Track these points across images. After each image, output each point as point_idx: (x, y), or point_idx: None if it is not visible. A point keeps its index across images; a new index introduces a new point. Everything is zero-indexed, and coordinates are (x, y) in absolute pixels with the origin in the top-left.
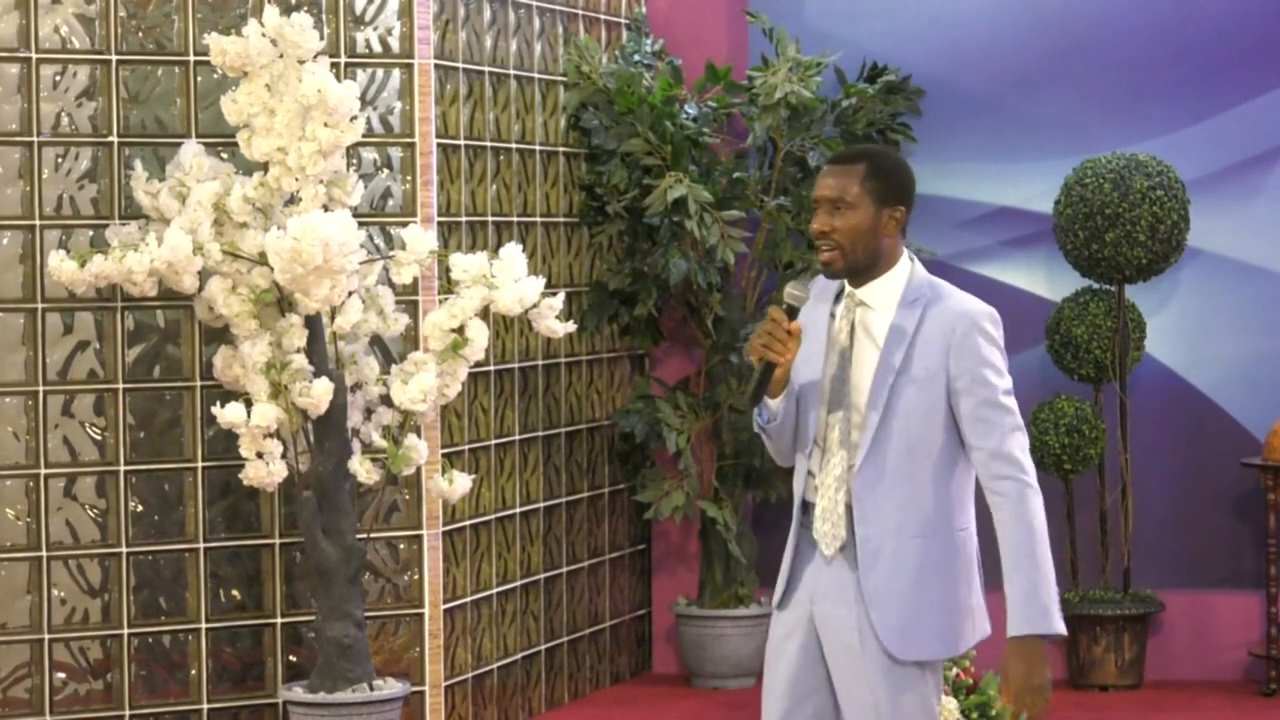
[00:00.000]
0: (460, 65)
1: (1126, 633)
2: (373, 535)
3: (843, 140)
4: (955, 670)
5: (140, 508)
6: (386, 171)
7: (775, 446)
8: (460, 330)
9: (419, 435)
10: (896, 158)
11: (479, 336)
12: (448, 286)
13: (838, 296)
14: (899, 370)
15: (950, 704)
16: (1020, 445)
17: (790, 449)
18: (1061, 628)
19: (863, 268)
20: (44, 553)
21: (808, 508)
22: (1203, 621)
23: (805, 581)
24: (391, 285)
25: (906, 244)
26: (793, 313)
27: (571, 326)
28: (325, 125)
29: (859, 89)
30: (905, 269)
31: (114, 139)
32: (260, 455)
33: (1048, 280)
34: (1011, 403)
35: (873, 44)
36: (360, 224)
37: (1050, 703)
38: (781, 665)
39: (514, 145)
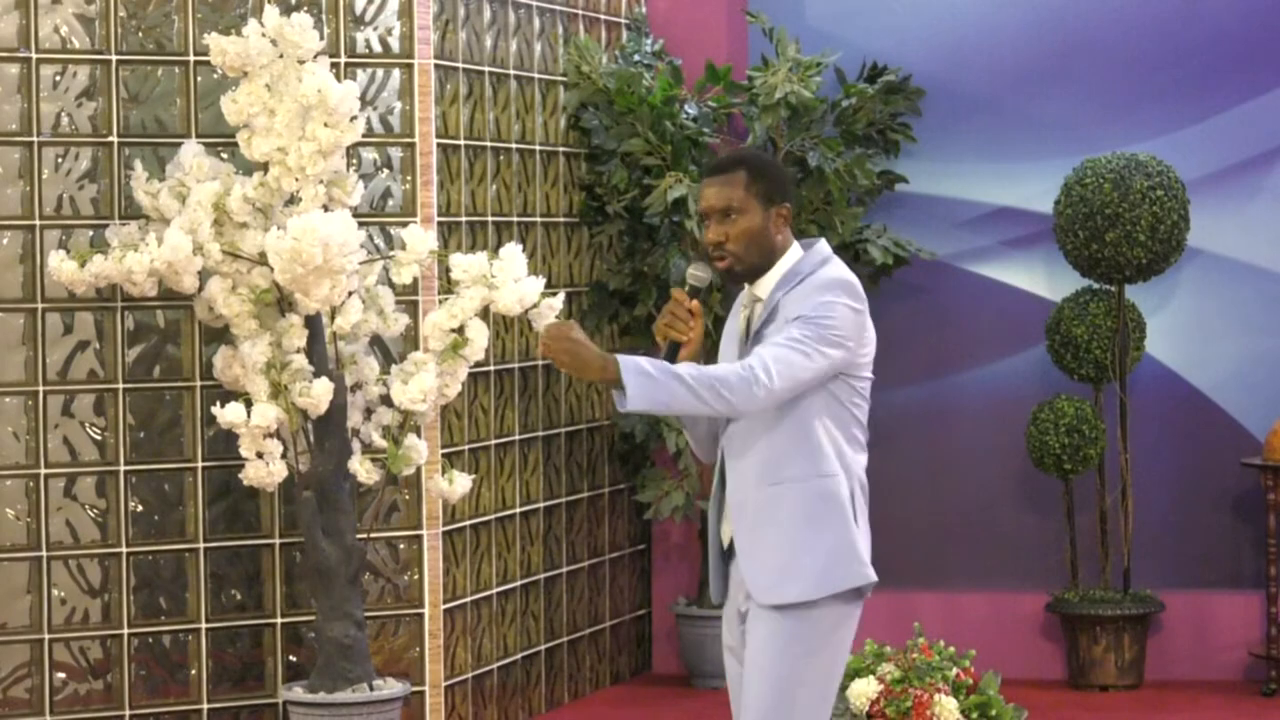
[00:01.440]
0: (460, 65)
1: (1126, 633)
2: (373, 535)
3: (843, 141)
4: (955, 670)
5: (140, 508)
6: (386, 171)
7: (690, 436)
8: (460, 330)
9: (419, 435)
10: (771, 158)
11: (479, 337)
12: (448, 286)
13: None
14: (764, 323)
15: (950, 704)
16: (778, 356)
17: (705, 441)
18: (634, 397)
19: (760, 268)
20: (44, 553)
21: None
22: (1203, 621)
23: (734, 572)
24: (391, 285)
25: (828, 239)
26: (694, 292)
27: None
28: (325, 125)
29: (859, 89)
30: (793, 256)
31: (114, 139)
32: (260, 455)
33: (1048, 280)
34: (816, 338)
35: (873, 44)
36: (360, 224)
37: (563, 348)
38: (729, 660)
39: (514, 145)
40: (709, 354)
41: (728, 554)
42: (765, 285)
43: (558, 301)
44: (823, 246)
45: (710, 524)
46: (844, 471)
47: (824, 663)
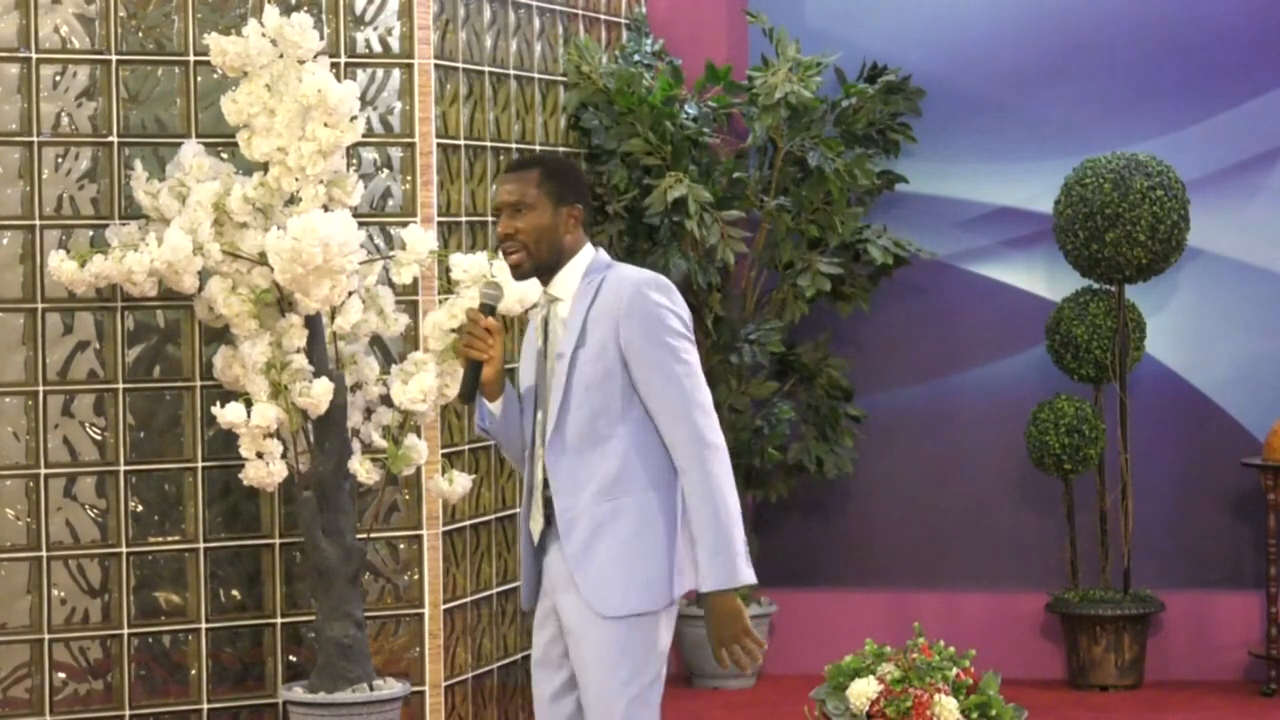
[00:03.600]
0: (460, 65)
1: (1126, 633)
2: (373, 535)
3: (843, 141)
4: (955, 670)
5: (140, 508)
6: (386, 171)
7: (505, 452)
8: (460, 330)
9: (419, 435)
10: (568, 160)
11: None
12: (448, 286)
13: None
14: (576, 344)
15: (950, 704)
16: (696, 404)
17: (518, 451)
18: (749, 576)
19: (548, 265)
20: (44, 553)
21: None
22: (1203, 621)
23: (547, 574)
24: (391, 285)
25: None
26: (489, 310)
27: None
28: (325, 125)
29: (859, 89)
30: (586, 256)
31: (114, 139)
32: (260, 455)
33: (1048, 280)
34: (684, 361)
35: (873, 44)
36: (360, 224)
37: (758, 645)
38: (537, 656)
39: (514, 145)
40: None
41: (538, 552)
42: (563, 287)
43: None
44: (604, 252)
45: (521, 529)
46: (670, 486)
47: (652, 673)
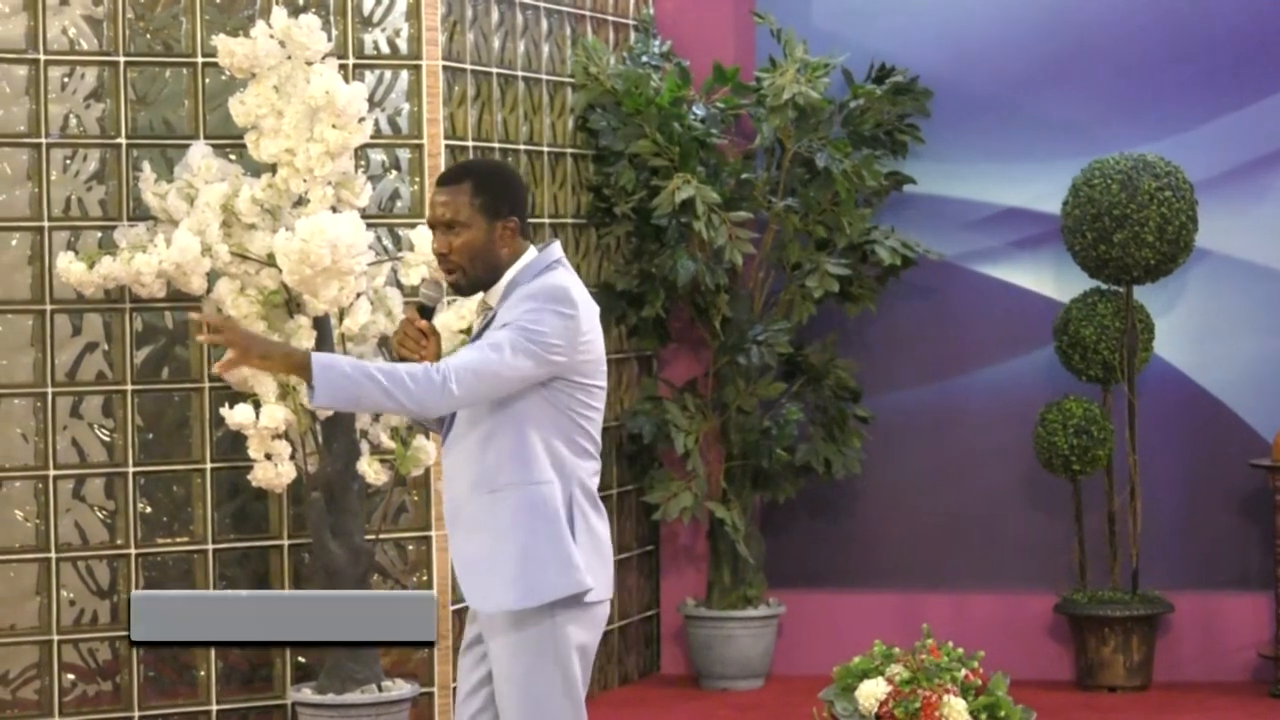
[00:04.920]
0: (468, 66)
1: (1135, 634)
2: (381, 536)
3: (851, 142)
4: (964, 671)
5: (149, 509)
6: (395, 173)
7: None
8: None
9: (426, 436)
10: (502, 169)
11: None
12: None
13: None
14: (475, 338)
15: (958, 705)
16: (470, 360)
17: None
18: (320, 393)
19: (487, 280)
20: (53, 554)
21: None
22: (1211, 622)
23: None
24: (400, 286)
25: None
26: (425, 311)
27: None
28: (333, 127)
29: (867, 90)
30: (522, 263)
31: (122, 140)
32: (269, 456)
33: (1055, 281)
34: (517, 344)
35: (880, 45)
36: (368, 225)
37: (228, 339)
38: (465, 660)
39: (522, 146)
40: None
41: None
42: (496, 294)
43: None
44: (550, 254)
45: (449, 533)
46: (560, 478)
47: (557, 669)
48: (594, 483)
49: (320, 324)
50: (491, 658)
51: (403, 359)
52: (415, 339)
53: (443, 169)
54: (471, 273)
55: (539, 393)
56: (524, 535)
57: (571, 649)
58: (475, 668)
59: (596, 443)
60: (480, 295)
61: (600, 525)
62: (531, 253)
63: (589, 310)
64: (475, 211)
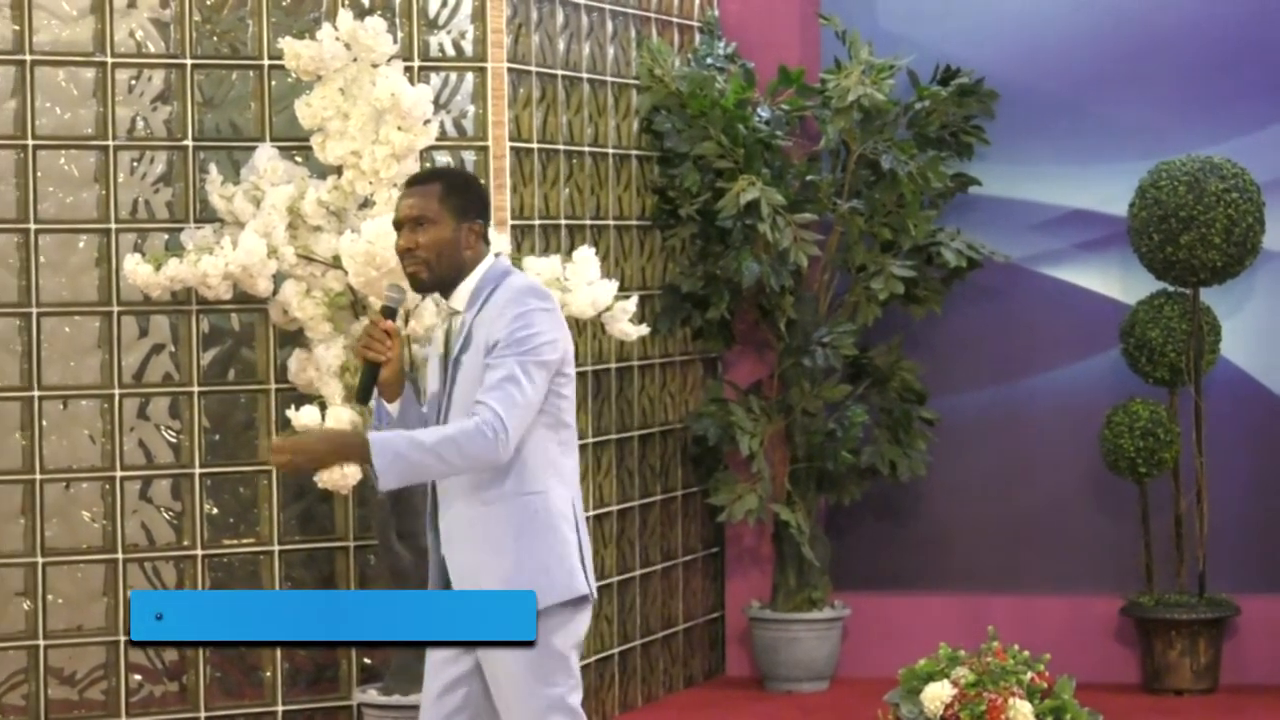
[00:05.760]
0: (533, 69)
1: (1202, 637)
2: None
3: (916, 143)
4: (1030, 674)
5: (215, 510)
6: None
7: None
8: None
9: None
10: (469, 175)
11: None
12: None
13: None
14: (460, 349)
15: (1024, 708)
16: (504, 401)
17: None
18: (385, 479)
19: (449, 280)
20: (120, 555)
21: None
22: (1278, 625)
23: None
24: None
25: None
26: (389, 313)
27: (644, 330)
28: (399, 129)
29: (932, 91)
30: (484, 268)
31: (189, 143)
32: None
33: (1122, 283)
34: (529, 363)
35: (946, 46)
36: None
37: (290, 462)
38: (436, 655)
39: (587, 148)
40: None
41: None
42: (459, 298)
43: (631, 304)
44: (503, 260)
45: (430, 545)
46: (559, 483)
47: (562, 667)
48: (576, 478)
49: None
50: (489, 661)
51: (367, 361)
52: (380, 340)
53: (508, 171)
54: (437, 269)
55: None
56: (518, 546)
57: (571, 647)
58: (447, 666)
59: (575, 432)
60: (439, 297)
61: (583, 523)
62: (491, 258)
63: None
64: (444, 211)
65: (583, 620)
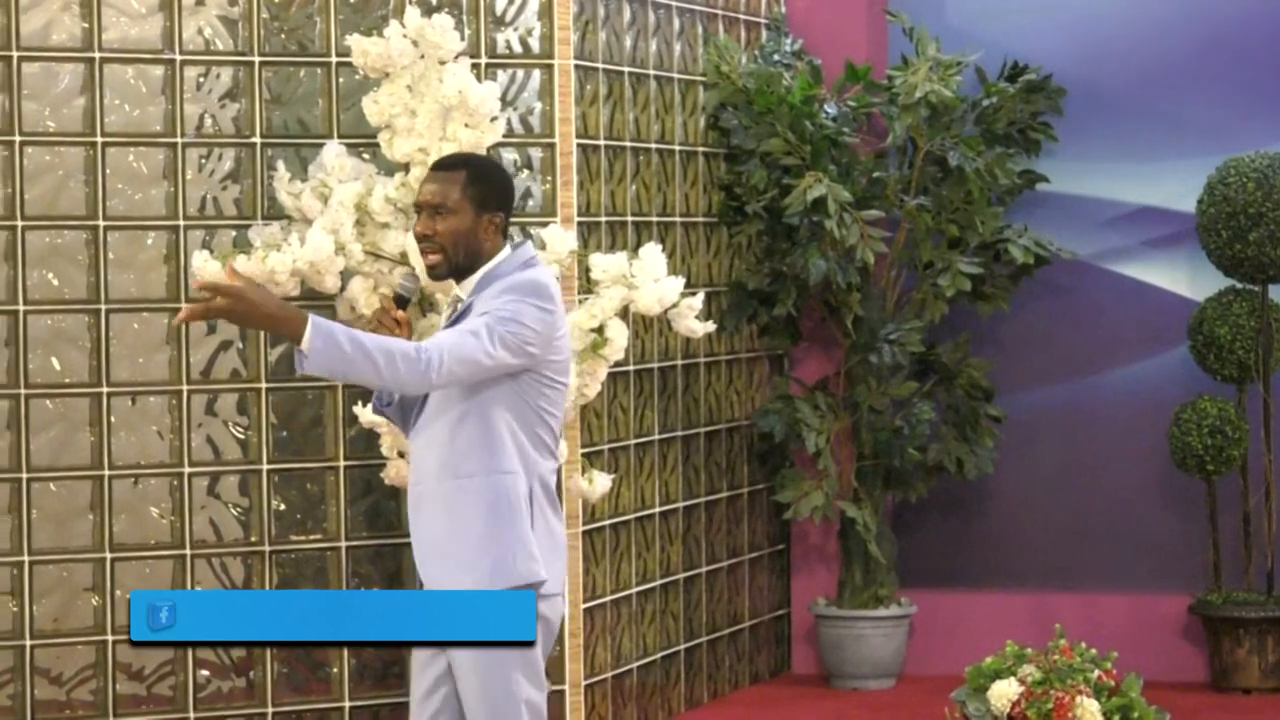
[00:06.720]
0: (600, 65)
1: (1270, 635)
2: None
3: (984, 140)
4: (1097, 672)
5: (283, 506)
6: (527, 172)
7: (404, 433)
8: (600, 330)
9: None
10: (495, 165)
11: (618, 336)
12: (587, 286)
13: None
14: (449, 325)
15: (1092, 706)
16: (453, 342)
17: (399, 425)
18: (313, 360)
19: (464, 269)
20: (188, 551)
21: None
22: None
23: None
24: None
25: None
26: (401, 301)
27: (711, 326)
28: (466, 126)
29: (999, 88)
30: (499, 259)
31: (257, 140)
32: (402, 454)
33: (1190, 280)
34: (496, 333)
35: (1013, 43)
36: None
37: (224, 307)
38: (417, 659)
39: (653, 145)
40: None
41: None
42: (468, 286)
43: (697, 301)
44: (525, 251)
45: (410, 517)
46: (524, 470)
47: (521, 656)
48: (552, 480)
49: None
50: (458, 666)
51: None
52: (390, 329)
53: (574, 168)
54: (453, 257)
55: (509, 384)
56: (486, 522)
57: (538, 655)
58: (429, 665)
59: (557, 441)
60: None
61: (557, 523)
62: (507, 251)
63: (563, 311)
64: (464, 200)
65: (548, 613)
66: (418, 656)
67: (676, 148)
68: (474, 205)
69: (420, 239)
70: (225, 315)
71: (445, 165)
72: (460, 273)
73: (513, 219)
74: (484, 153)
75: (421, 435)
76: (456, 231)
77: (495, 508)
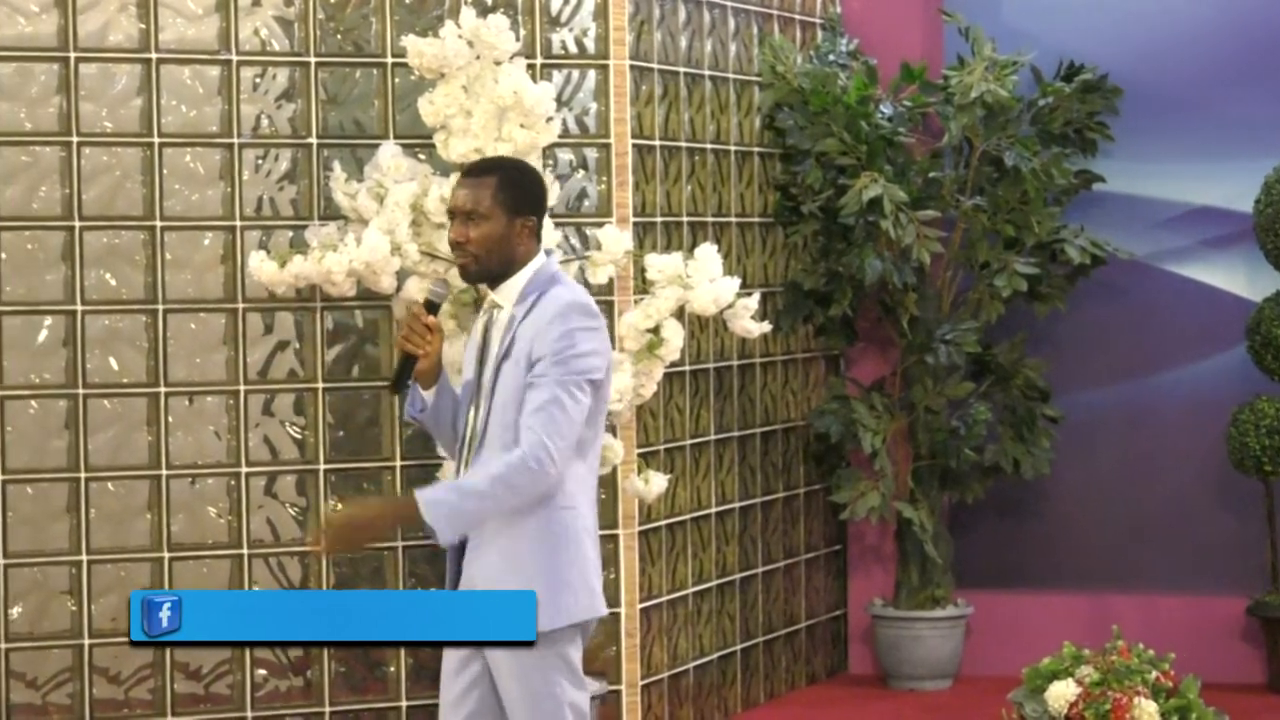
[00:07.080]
0: (655, 66)
1: None
2: None
3: (1040, 140)
4: (1155, 673)
5: (340, 506)
6: (582, 172)
7: (437, 439)
8: (656, 330)
9: (615, 435)
10: (528, 169)
11: (674, 337)
12: (643, 287)
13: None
14: (502, 356)
15: (1149, 707)
16: (547, 428)
17: (450, 443)
18: (444, 535)
19: (497, 274)
20: (245, 550)
21: None
22: None
23: (466, 571)
24: (587, 285)
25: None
26: (432, 308)
27: (766, 327)
28: (521, 126)
29: (1055, 88)
30: (534, 267)
31: (313, 140)
32: None
33: (1248, 280)
34: (572, 384)
35: (1069, 42)
36: (556, 224)
37: (332, 543)
38: (449, 662)
39: (709, 145)
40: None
41: (459, 550)
42: (505, 294)
43: (752, 301)
44: (550, 265)
45: (449, 557)
46: (583, 499)
47: (571, 682)
48: (594, 497)
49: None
50: (501, 672)
51: (406, 354)
52: (421, 334)
53: (630, 168)
54: (486, 263)
55: None
56: (547, 559)
57: (579, 662)
58: (462, 670)
59: (598, 454)
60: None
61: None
62: (542, 258)
63: (604, 323)
64: (497, 206)
65: (587, 634)
66: (449, 662)
67: (732, 148)
68: (506, 210)
69: (454, 245)
70: (343, 547)
71: (476, 171)
72: (493, 278)
73: (571, 219)
74: (523, 157)
75: (484, 464)
76: (489, 237)
77: (555, 544)
